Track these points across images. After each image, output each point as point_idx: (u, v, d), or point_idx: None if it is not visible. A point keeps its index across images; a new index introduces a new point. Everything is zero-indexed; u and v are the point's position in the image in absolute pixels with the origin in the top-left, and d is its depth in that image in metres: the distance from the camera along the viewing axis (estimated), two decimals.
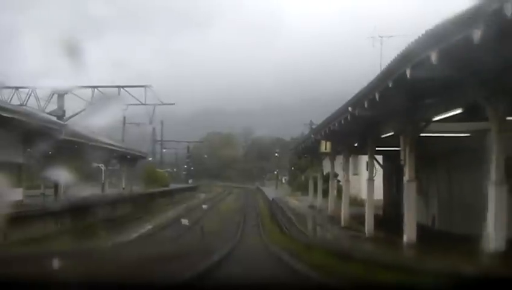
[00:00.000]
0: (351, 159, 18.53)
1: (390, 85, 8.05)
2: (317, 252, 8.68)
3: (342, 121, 12.13)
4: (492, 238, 7.20)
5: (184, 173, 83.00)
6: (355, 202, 21.02)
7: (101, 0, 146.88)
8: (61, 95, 24.59)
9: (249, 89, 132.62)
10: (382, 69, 9.07)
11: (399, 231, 10.29)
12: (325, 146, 18.99)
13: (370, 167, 14.23)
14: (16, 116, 15.89)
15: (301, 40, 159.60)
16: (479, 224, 8.58)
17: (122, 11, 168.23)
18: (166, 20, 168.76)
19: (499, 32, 5.08)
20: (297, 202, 28.85)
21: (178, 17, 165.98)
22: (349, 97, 11.30)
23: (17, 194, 20.21)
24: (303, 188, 35.84)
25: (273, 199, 34.19)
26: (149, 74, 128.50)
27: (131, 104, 30.53)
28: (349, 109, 10.85)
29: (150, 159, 56.60)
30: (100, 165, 34.08)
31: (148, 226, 22.82)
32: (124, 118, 44.01)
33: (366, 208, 13.35)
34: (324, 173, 24.21)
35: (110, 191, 33.80)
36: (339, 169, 21.01)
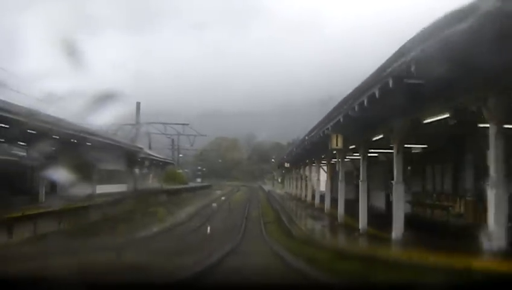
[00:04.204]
0: (313, 168, 35.34)
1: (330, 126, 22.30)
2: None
3: (297, 149, 28.44)
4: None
5: (199, 173, 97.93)
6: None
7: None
8: (138, 129, 41.24)
9: (253, 90, 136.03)
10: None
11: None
12: (285, 164, 36.49)
13: (317, 172, 30.51)
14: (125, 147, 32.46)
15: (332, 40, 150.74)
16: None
17: (149, 8, 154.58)
18: (167, 25, 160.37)
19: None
20: (281, 192, 53.27)
21: (183, 19, 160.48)
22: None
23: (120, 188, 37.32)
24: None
25: (268, 191, 54.97)
26: (157, 74, 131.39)
27: (174, 135, 47.82)
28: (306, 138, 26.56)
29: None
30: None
31: (193, 207, 39.15)
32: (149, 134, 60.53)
33: (316, 193, 29.82)
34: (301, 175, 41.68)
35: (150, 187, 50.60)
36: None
